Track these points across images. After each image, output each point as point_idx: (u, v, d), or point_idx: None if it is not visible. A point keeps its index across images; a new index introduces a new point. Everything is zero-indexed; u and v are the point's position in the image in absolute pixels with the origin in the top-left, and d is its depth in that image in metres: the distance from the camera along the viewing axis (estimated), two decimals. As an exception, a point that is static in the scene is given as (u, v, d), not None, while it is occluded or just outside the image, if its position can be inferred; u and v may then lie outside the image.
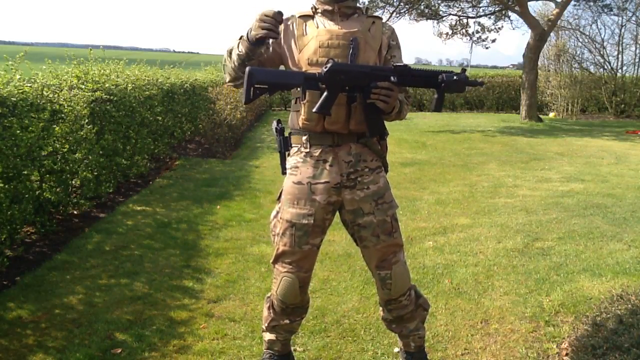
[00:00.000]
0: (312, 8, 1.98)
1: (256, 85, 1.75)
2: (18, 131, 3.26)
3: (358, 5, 2.01)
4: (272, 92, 1.83)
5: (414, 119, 13.50)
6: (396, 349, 2.38)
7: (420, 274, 3.32)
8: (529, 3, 12.94)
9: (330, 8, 1.93)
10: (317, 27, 1.92)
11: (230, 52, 1.91)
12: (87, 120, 4.26)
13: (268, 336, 2.16)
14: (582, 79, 15.21)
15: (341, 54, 1.86)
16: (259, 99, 2.11)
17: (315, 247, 1.98)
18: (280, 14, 1.79)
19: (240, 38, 1.87)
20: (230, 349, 2.44)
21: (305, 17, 1.96)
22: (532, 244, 3.86)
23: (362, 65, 1.85)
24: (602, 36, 17.57)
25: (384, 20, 2.05)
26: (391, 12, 14.35)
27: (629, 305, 2.70)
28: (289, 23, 1.97)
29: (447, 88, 1.90)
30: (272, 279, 2.08)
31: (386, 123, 1.96)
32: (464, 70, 1.93)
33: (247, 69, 1.74)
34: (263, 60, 1.94)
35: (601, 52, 15.70)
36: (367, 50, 1.90)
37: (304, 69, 1.88)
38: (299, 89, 1.86)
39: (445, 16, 15.51)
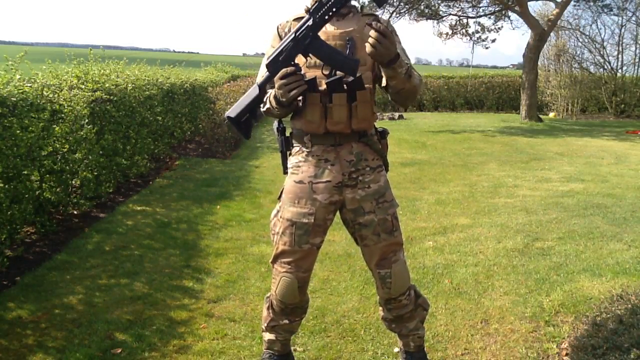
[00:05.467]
0: (306, 10, 1.98)
1: (241, 121, 1.92)
2: (18, 131, 3.26)
3: (354, 4, 2.01)
4: (254, 114, 1.95)
5: (414, 119, 13.49)
6: (396, 349, 2.38)
7: (420, 274, 3.32)
8: (529, 3, 12.95)
9: None
10: None
11: (267, 109, 1.95)
12: (87, 120, 4.26)
13: (268, 336, 2.16)
14: (582, 79, 15.19)
15: None
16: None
17: (315, 247, 1.98)
18: (297, 66, 1.82)
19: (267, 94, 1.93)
20: (230, 349, 2.44)
21: (300, 19, 1.96)
22: (532, 244, 3.86)
23: (281, 44, 1.86)
24: (602, 36, 17.53)
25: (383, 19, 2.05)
26: (391, 12, 14.34)
27: (629, 305, 2.70)
28: (286, 30, 1.98)
29: None
30: (271, 278, 2.09)
31: (386, 123, 1.94)
32: None
33: (225, 117, 1.94)
34: None
35: (601, 52, 15.69)
36: (364, 48, 1.89)
37: (302, 72, 1.89)
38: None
39: (445, 16, 15.49)
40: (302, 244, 1.95)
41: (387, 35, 1.71)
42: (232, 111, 1.93)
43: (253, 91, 1.93)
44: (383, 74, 1.85)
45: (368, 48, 1.72)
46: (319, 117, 1.88)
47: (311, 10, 1.80)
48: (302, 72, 1.89)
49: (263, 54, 2.04)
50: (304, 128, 1.92)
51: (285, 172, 2.02)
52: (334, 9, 1.77)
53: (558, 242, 3.89)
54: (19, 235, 3.64)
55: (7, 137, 3.16)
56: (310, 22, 1.80)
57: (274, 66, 1.84)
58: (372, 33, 1.71)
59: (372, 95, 1.93)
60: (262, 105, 1.97)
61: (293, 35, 1.81)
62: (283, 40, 1.84)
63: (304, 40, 1.80)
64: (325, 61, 1.84)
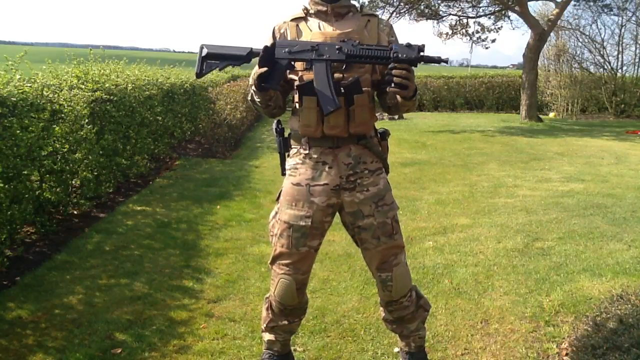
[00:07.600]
0: (303, 10, 1.96)
1: (208, 60, 1.85)
2: (18, 131, 3.26)
3: (353, 2, 1.99)
4: (222, 66, 1.88)
5: (414, 119, 13.49)
6: (396, 349, 2.38)
7: (420, 274, 3.32)
8: (529, 3, 12.94)
9: (324, 9, 1.91)
10: (311, 30, 1.90)
11: (252, 99, 1.94)
12: (87, 120, 4.26)
13: (267, 336, 2.16)
14: (582, 79, 15.19)
15: None
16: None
17: (312, 250, 1.97)
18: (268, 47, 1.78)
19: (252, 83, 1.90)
20: (230, 349, 2.44)
21: (298, 20, 1.95)
22: (532, 244, 3.86)
23: (305, 41, 1.83)
24: (602, 36, 17.49)
25: (384, 19, 2.04)
26: (391, 12, 14.34)
27: (629, 305, 2.70)
28: (282, 31, 1.95)
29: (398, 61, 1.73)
30: (270, 279, 2.08)
31: (386, 123, 1.94)
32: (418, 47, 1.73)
33: (200, 45, 1.84)
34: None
35: (601, 52, 15.69)
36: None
37: (300, 74, 1.88)
38: (296, 94, 1.87)
39: (445, 16, 15.50)
40: (300, 246, 1.94)
41: (411, 71, 1.72)
42: (211, 48, 1.86)
43: (242, 51, 1.85)
44: (394, 101, 1.86)
45: (394, 89, 1.72)
46: (316, 121, 1.85)
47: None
48: (300, 74, 1.88)
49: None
50: (301, 131, 1.91)
51: (284, 173, 2.02)
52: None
53: (558, 242, 3.89)
54: (19, 235, 3.64)
55: (7, 137, 3.16)
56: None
57: (275, 51, 1.80)
58: (396, 72, 1.70)
59: (370, 98, 1.91)
60: (248, 96, 1.96)
61: (313, 52, 1.79)
62: (304, 42, 1.82)
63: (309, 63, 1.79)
64: (315, 84, 1.80)
